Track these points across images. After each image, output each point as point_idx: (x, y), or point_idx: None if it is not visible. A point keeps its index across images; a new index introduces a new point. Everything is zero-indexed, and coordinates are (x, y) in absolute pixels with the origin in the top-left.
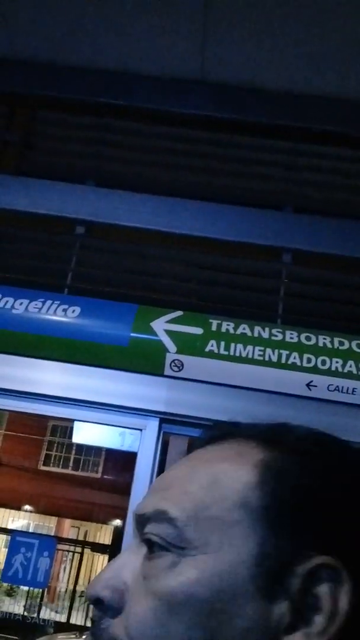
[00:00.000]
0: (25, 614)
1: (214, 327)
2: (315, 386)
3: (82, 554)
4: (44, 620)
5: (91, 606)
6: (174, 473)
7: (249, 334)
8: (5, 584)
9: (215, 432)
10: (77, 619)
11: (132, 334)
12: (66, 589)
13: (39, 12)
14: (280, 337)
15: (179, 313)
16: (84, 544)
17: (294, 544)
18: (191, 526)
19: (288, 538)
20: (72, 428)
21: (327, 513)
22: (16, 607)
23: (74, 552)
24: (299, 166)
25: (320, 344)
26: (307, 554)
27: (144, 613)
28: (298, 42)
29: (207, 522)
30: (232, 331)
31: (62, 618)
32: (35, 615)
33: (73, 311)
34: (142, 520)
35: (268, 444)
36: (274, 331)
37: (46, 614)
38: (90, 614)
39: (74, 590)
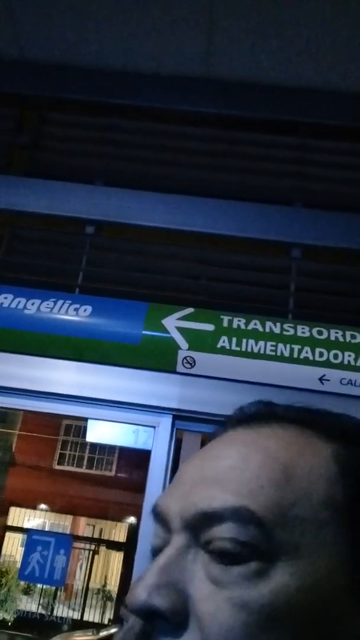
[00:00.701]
0: (43, 612)
1: (225, 324)
2: (328, 380)
3: (97, 551)
4: (61, 618)
5: (131, 619)
6: (225, 462)
7: (261, 329)
8: (22, 582)
9: (251, 412)
10: (91, 615)
11: (143, 332)
12: (83, 587)
13: (45, 14)
14: (291, 332)
15: (190, 310)
16: (99, 541)
17: None
18: (280, 527)
19: None
20: (85, 427)
21: None
22: (33, 605)
23: (89, 550)
24: (307, 161)
25: (332, 338)
26: None
27: (226, 627)
28: (304, 37)
29: (294, 523)
30: (243, 327)
31: (79, 615)
32: (50, 613)
33: (84, 310)
34: (208, 518)
35: (324, 432)
36: (285, 326)
37: (63, 611)
38: (130, 626)
39: (87, 588)
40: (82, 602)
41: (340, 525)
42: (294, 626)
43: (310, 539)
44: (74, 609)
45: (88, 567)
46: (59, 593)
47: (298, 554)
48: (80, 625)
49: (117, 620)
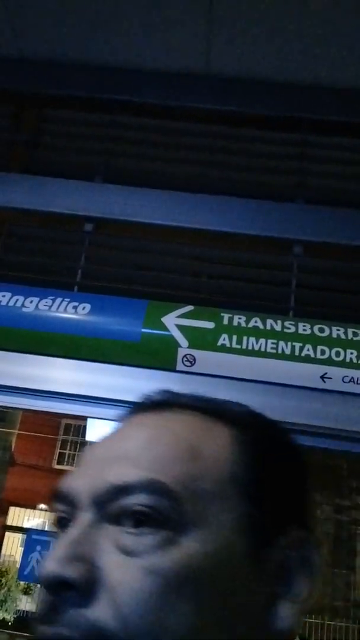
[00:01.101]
0: None
1: (225, 321)
2: (330, 378)
3: None
4: None
5: (43, 592)
6: (135, 442)
7: (261, 327)
8: (22, 582)
9: (158, 399)
10: None
11: (143, 330)
12: None
13: (43, 10)
14: (293, 329)
15: (190, 307)
16: None
17: (275, 517)
18: (188, 499)
19: (270, 512)
20: (85, 426)
21: (291, 487)
22: (34, 605)
23: None
24: (308, 157)
25: (334, 336)
26: (286, 526)
27: (139, 593)
28: (305, 32)
29: (201, 496)
30: (244, 324)
31: None
32: None
33: (83, 308)
34: (120, 491)
35: (225, 419)
36: (286, 323)
37: None
38: (42, 600)
39: None
40: None
41: (241, 498)
42: (200, 588)
43: (215, 511)
44: None
45: None
46: None
47: (204, 524)
48: None
49: None
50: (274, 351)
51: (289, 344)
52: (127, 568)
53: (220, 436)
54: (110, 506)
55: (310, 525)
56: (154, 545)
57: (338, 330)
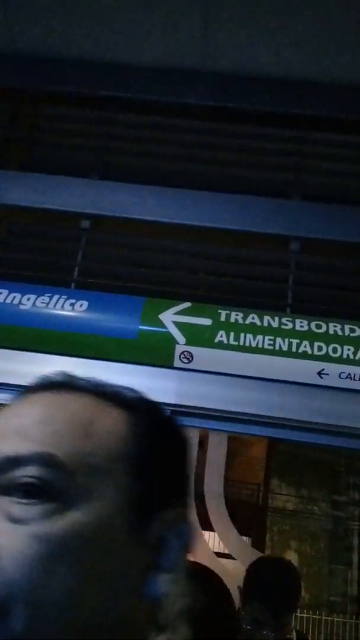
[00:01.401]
0: None
1: (222, 318)
2: (327, 374)
3: None
4: None
5: None
6: (30, 418)
7: (259, 323)
8: None
9: (54, 380)
10: None
11: (140, 327)
12: None
13: (39, 7)
14: (290, 325)
15: (187, 304)
16: None
17: (157, 494)
18: (79, 473)
19: (153, 489)
20: None
21: (173, 467)
22: None
23: None
24: (306, 154)
25: (331, 332)
26: (166, 502)
27: (23, 557)
28: (302, 29)
29: (91, 470)
30: (241, 321)
31: None
32: None
33: (81, 305)
34: (12, 462)
35: (117, 401)
36: (283, 320)
37: None
38: None
39: None
40: None
41: (128, 475)
42: (81, 556)
43: (102, 485)
44: None
45: None
46: None
47: (91, 496)
48: None
49: None
50: (271, 347)
51: (286, 340)
52: (14, 535)
53: (112, 417)
54: (2, 477)
55: (187, 502)
56: (41, 514)
57: (335, 326)
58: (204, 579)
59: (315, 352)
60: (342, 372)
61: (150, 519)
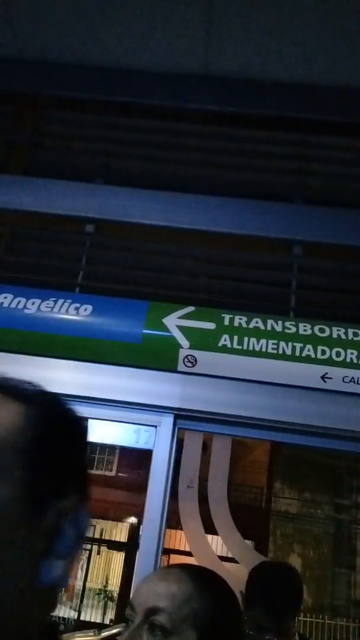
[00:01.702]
0: None
1: (226, 322)
2: (331, 378)
3: (99, 551)
4: (63, 618)
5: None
6: None
7: (262, 327)
8: None
9: None
10: (88, 615)
11: (144, 331)
12: (82, 586)
13: (43, 11)
14: (293, 329)
15: (190, 308)
16: (100, 541)
17: (52, 484)
18: None
19: (47, 480)
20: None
21: (70, 458)
22: None
23: (90, 550)
24: (308, 158)
25: (335, 336)
26: (62, 492)
27: None
28: (305, 33)
29: None
30: (244, 325)
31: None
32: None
33: (85, 309)
34: None
35: (15, 395)
36: (287, 324)
37: (64, 612)
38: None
39: (84, 587)
40: (78, 602)
41: (22, 467)
42: None
43: None
44: (74, 610)
45: (92, 566)
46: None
47: None
48: (82, 625)
49: (120, 620)
50: (275, 351)
51: (290, 344)
52: None
53: (9, 410)
54: None
55: (85, 492)
56: None
57: (338, 330)
58: (209, 582)
59: (319, 356)
60: (345, 376)
61: (47, 508)
